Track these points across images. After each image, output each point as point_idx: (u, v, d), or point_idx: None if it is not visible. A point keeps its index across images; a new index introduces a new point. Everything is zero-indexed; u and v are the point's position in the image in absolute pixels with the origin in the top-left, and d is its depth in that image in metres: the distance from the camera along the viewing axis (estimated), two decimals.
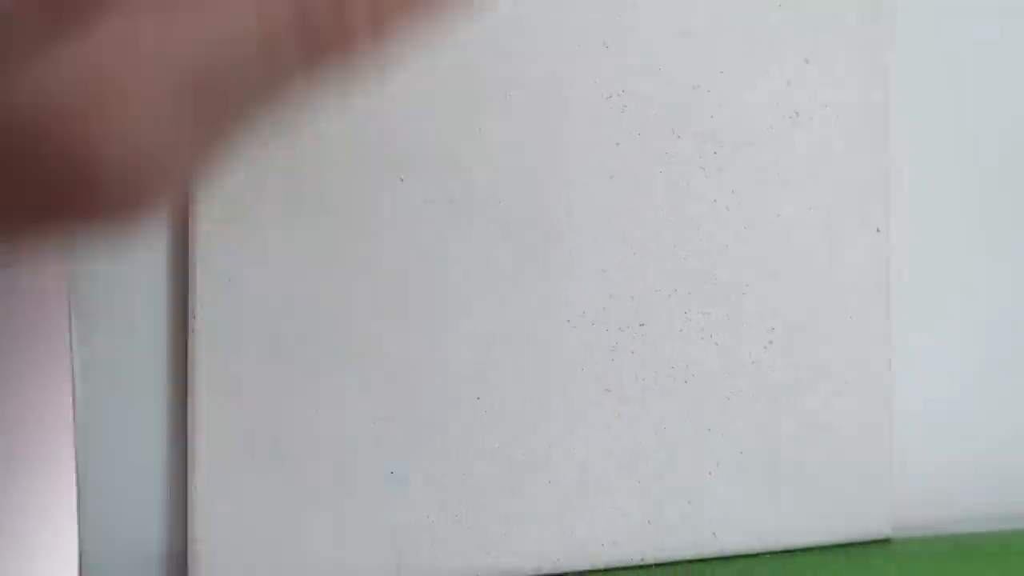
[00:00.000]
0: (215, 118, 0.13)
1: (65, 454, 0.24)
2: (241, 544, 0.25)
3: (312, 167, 0.26)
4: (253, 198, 0.25)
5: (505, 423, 0.27)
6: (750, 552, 0.30)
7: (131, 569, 0.25)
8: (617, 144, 0.28)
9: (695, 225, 0.29)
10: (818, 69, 0.31)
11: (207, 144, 0.13)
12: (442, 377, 0.27)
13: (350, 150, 0.26)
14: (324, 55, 0.13)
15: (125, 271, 0.25)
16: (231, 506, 0.25)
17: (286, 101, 0.13)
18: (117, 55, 0.12)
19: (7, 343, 0.24)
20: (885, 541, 0.32)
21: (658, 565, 0.29)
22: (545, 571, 0.27)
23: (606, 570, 0.28)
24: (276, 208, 0.25)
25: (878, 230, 0.31)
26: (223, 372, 0.25)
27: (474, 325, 0.27)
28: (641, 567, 0.28)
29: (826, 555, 0.31)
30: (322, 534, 0.25)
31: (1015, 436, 0.34)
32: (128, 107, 0.12)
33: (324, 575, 0.25)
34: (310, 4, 0.12)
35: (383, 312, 0.26)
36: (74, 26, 0.12)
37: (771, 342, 0.30)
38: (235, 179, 0.25)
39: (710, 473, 0.29)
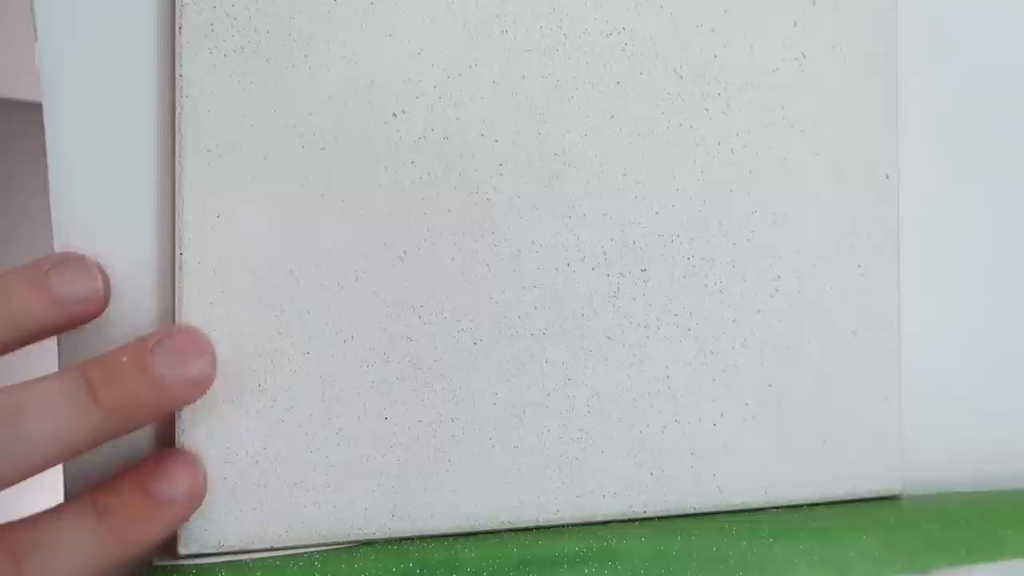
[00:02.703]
0: None
1: None
2: (230, 490, 0.24)
3: (303, 102, 0.25)
4: (242, 133, 0.24)
5: (503, 369, 0.26)
6: (755, 506, 0.29)
7: None
8: (618, 83, 0.27)
9: (698, 168, 0.28)
10: (825, 10, 0.30)
11: None
12: (438, 320, 0.26)
13: (341, 84, 0.25)
14: None
15: (110, 212, 0.24)
16: (220, 452, 0.24)
17: None
18: None
19: None
20: (894, 498, 0.31)
21: (660, 518, 0.28)
22: (543, 522, 0.27)
23: (607, 522, 0.27)
24: (266, 143, 0.24)
25: (887, 176, 0.30)
26: (210, 313, 0.24)
27: (470, 268, 0.26)
28: (644, 519, 0.28)
29: (833, 511, 0.30)
30: (314, 479, 0.24)
31: None
32: None
33: (317, 520, 0.25)
34: None
35: (376, 253, 0.25)
36: None
37: (777, 290, 0.29)
38: (223, 112, 0.24)
39: (714, 424, 0.28)
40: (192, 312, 0.24)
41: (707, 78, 0.28)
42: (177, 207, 0.24)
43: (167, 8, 0.24)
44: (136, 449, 0.24)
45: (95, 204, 0.24)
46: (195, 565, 0.23)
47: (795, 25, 0.29)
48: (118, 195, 0.24)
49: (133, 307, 0.24)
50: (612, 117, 0.27)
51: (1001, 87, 0.33)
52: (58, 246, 0.24)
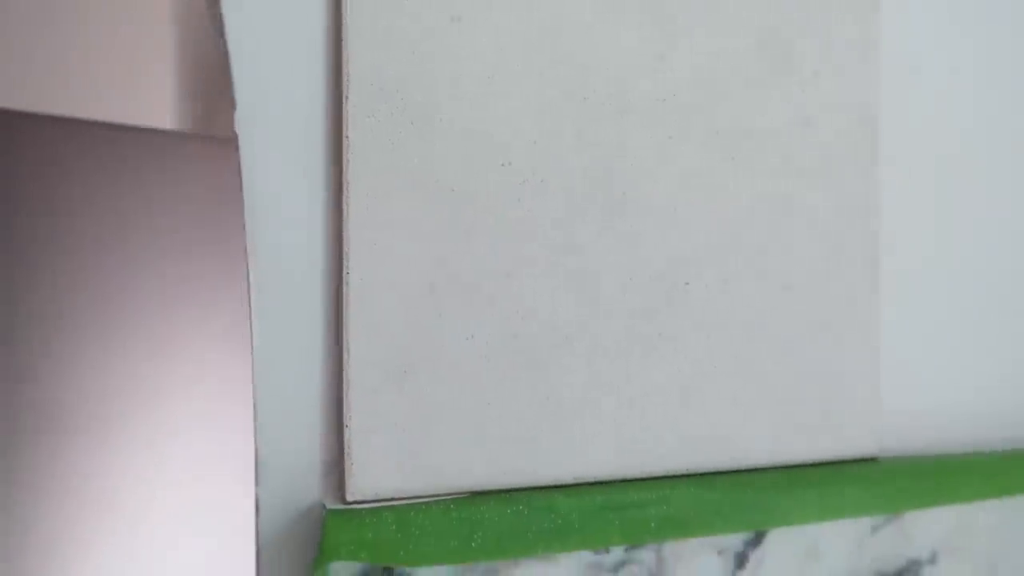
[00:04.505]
0: None
1: (245, 388, 0.30)
2: (384, 452, 0.31)
3: (438, 154, 0.32)
4: (392, 179, 0.32)
5: (585, 359, 0.34)
6: (767, 466, 0.37)
7: (298, 474, 0.31)
8: (669, 138, 0.35)
9: (727, 204, 0.36)
10: (826, 79, 0.38)
11: None
12: (536, 322, 0.33)
13: (466, 140, 0.32)
14: None
15: (293, 245, 0.31)
16: (378, 424, 0.31)
17: None
18: None
19: (204, 319, 0.30)
20: (872, 459, 0.40)
21: (699, 474, 0.36)
22: (615, 476, 0.35)
23: (662, 477, 0.35)
24: (410, 187, 0.32)
25: (869, 208, 0.39)
26: (370, 318, 0.31)
27: (560, 281, 0.34)
28: (687, 475, 0.36)
29: (826, 469, 0.38)
30: (446, 444, 0.32)
31: (981, 381, 0.42)
32: None
33: (448, 475, 0.32)
34: None
35: (491, 271, 0.33)
36: None
37: (785, 298, 0.37)
38: (378, 163, 0.31)
39: (737, 402, 0.37)
40: (356, 317, 0.31)
41: (736, 133, 0.36)
42: (344, 237, 0.31)
43: (335, 82, 0.32)
44: (307, 422, 0.31)
45: (282, 235, 0.31)
46: (363, 509, 0.31)
47: (803, 91, 0.38)
48: (298, 227, 0.31)
49: (309, 313, 0.31)
50: (664, 164, 0.35)
51: (966, 144, 0.42)
52: (252, 263, 0.31)
